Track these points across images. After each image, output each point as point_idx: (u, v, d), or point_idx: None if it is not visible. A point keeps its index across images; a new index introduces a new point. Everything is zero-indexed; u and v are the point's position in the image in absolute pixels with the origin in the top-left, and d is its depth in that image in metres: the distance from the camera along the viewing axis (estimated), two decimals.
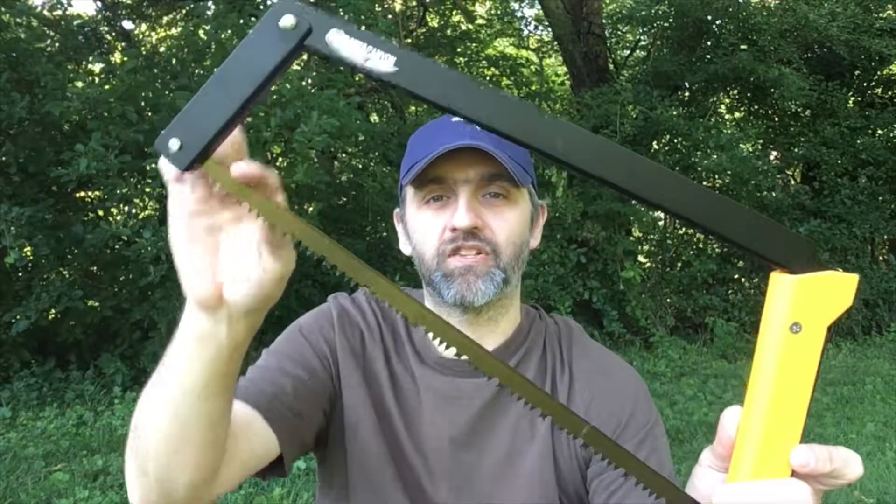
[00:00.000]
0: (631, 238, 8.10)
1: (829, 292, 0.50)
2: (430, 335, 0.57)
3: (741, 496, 0.51)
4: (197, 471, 0.68)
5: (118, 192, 5.20)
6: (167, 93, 5.66)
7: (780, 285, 0.51)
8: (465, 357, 0.56)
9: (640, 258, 8.48)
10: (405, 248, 1.03)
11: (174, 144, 0.53)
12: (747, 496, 0.51)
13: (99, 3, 7.31)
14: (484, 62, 10.02)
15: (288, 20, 0.51)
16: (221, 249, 0.58)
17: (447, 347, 0.57)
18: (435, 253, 0.94)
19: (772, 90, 8.48)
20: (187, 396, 0.63)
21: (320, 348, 0.99)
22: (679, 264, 8.30)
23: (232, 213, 0.58)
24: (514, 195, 0.95)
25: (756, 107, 10.11)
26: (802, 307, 0.50)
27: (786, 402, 0.50)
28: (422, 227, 0.96)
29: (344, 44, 0.50)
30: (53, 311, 5.38)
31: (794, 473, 0.51)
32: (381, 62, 0.50)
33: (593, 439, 0.54)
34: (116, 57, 6.87)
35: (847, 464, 0.52)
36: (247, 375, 0.93)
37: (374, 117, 8.89)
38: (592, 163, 0.50)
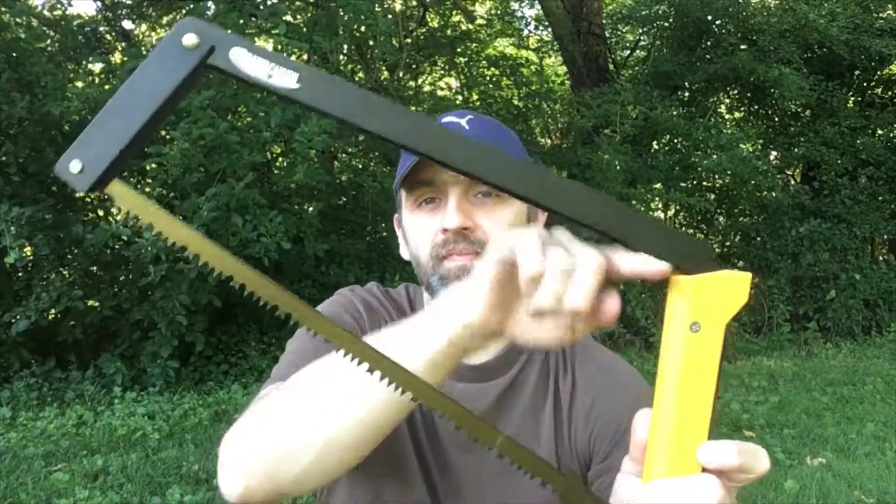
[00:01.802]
0: None
1: (725, 291, 0.52)
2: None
3: (654, 495, 0.51)
4: (344, 466, 0.69)
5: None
6: None
7: (678, 286, 0.52)
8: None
9: None
10: (404, 252, 1.03)
11: (75, 166, 0.53)
12: (660, 494, 0.51)
13: (99, 3, 7.31)
14: (484, 62, 10.00)
15: (190, 39, 0.51)
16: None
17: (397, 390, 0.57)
18: (429, 256, 0.93)
19: (772, 90, 8.48)
20: (401, 400, 0.61)
21: (353, 329, 0.98)
22: None
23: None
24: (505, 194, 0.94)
25: (756, 107, 10.11)
26: (700, 307, 0.51)
27: (691, 400, 0.51)
28: (416, 231, 0.96)
29: (247, 61, 0.51)
30: (53, 311, 5.39)
31: (705, 470, 0.52)
32: (284, 79, 0.51)
33: (507, 449, 0.55)
34: (116, 57, 6.86)
35: (755, 458, 0.52)
36: (288, 360, 0.92)
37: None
38: (498, 173, 0.52)
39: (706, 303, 0.51)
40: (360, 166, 7.64)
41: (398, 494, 0.96)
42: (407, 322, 0.65)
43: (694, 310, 0.51)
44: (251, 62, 0.51)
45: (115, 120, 0.52)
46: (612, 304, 0.55)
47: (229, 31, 0.52)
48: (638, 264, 0.52)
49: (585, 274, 0.52)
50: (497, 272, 0.56)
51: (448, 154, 0.51)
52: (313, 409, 0.68)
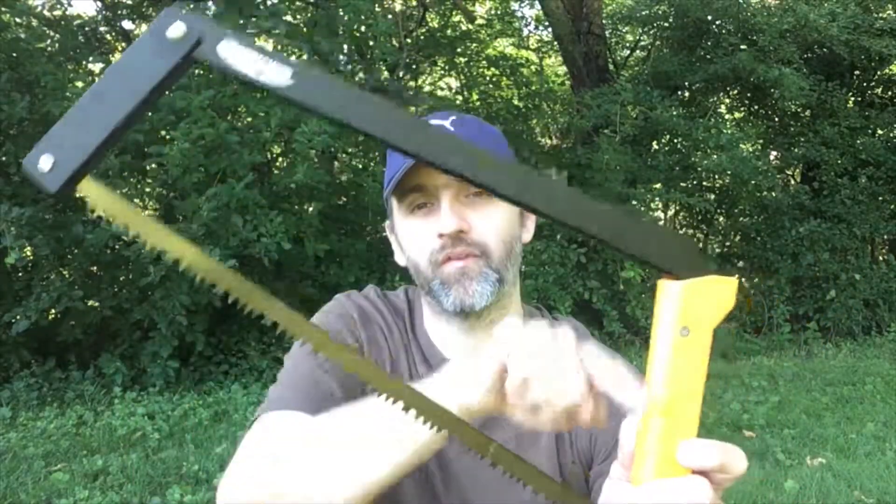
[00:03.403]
0: None
1: (713, 296, 0.52)
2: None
3: (644, 497, 0.52)
4: None
5: (118, 192, 5.20)
6: (167, 93, 5.66)
7: (668, 291, 0.52)
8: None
9: None
10: (400, 259, 1.02)
11: (45, 163, 0.48)
12: (649, 496, 0.51)
13: (99, 3, 7.31)
14: (484, 62, 10.01)
15: (176, 30, 0.47)
16: None
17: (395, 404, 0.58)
18: (428, 262, 0.93)
19: (772, 90, 8.48)
20: (392, 469, 0.67)
21: (345, 338, 0.97)
22: None
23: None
24: None
25: (756, 107, 10.11)
26: (689, 311, 0.52)
27: (679, 404, 0.52)
28: (412, 237, 0.95)
29: (237, 55, 0.48)
30: (53, 311, 5.39)
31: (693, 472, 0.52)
32: (277, 75, 0.48)
33: (499, 457, 0.56)
34: (116, 57, 6.86)
35: (734, 457, 0.53)
36: (287, 374, 0.92)
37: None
38: (484, 175, 0.51)
39: (695, 308, 0.52)
40: (360, 166, 7.64)
41: (396, 494, 0.96)
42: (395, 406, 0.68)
43: (683, 314, 0.52)
44: (241, 56, 0.47)
45: (91, 114, 0.48)
46: (601, 412, 0.60)
47: (217, 24, 0.48)
48: (614, 392, 0.57)
49: (573, 378, 0.58)
50: (495, 374, 0.61)
51: (443, 157, 0.50)
52: (312, 470, 0.69)
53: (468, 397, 0.62)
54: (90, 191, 0.50)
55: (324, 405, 0.84)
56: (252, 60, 0.48)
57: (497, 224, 0.94)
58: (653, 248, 0.52)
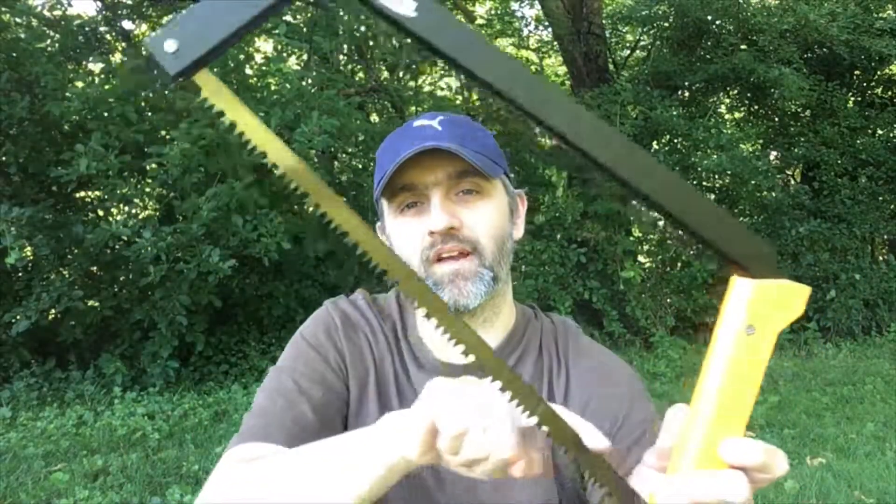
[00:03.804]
0: (631, 238, 8.10)
1: (784, 300, 0.52)
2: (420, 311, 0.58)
3: (682, 486, 0.52)
4: None
5: (118, 192, 5.21)
6: (167, 93, 5.66)
7: (741, 288, 0.52)
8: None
9: (640, 258, 8.47)
10: None
11: (170, 46, 0.49)
12: (688, 485, 0.51)
13: (99, 3, 7.31)
14: None
15: None
16: None
17: (451, 341, 0.57)
18: (419, 261, 0.93)
19: (772, 90, 8.48)
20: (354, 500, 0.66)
21: (332, 358, 0.98)
22: (679, 264, 8.30)
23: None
24: (486, 189, 0.94)
25: (756, 107, 10.11)
26: (759, 311, 0.52)
27: (733, 400, 0.52)
28: (402, 237, 0.95)
29: None
30: (53, 311, 5.39)
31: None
32: (403, 5, 0.49)
33: (545, 418, 0.57)
34: (116, 57, 6.86)
35: (777, 458, 0.53)
36: (261, 403, 0.93)
37: (374, 117, 8.89)
38: (589, 142, 0.51)
39: (765, 309, 0.52)
40: (360, 166, 7.63)
41: (389, 495, 0.96)
42: (351, 438, 0.69)
43: (752, 313, 0.52)
44: None
45: (220, 8, 0.49)
46: (535, 465, 0.61)
47: None
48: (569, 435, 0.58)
49: (504, 433, 0.59)
50: (425, 431, 0.62)
51: (546, 113, 0.50)
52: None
53: (407, 450, 0.63)
54: (206, 82, 0.51)
55: (295, 430, 0.87)
56: None
57: (488, 221, 0.93)
58: (735, 243, 0.52)
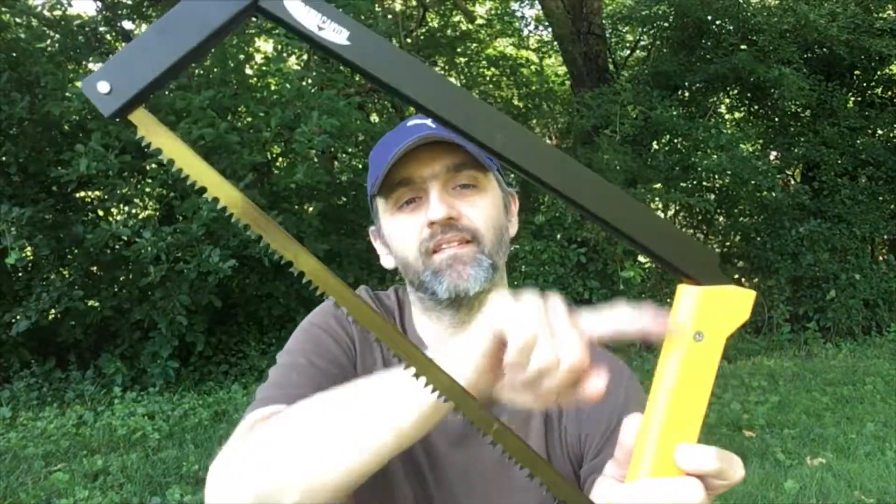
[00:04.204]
0: None
1: (730, 305, 0.53)
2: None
3: (637, 493, 0.52)
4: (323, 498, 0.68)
5: (118, 192, 5.21)
6: (167, 92, 5.66)
7: (686, 295, 0.53)
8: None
9: (640, 258, 8.47)
10: (387, 262, 1.02)
11: (103, 87, 0.50)
12: (643, 493, 0.51)
13: (99, 3, 7.31)
14: (484, 62, 10.01)
15: None
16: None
17: (394, 356, 0.57)
18: (417, 254, 0.93)
19: (772, 90, 8.49)
20: (374, 457, 0.64)
21: (342, 339, 0.98)
22: None
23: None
24: (482, 182, 0.95)
25: (756, 107, 10.11)
26: (706, 317, 0.52)
27: (685, 406, 0.52)
28: (399, 232, 0.95)
29: (299, 10, 0.49)
30: (53, 311, 5.39)
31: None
32: (335, 35, 0.49)
33: (501, 437, 0.55)
34: None
35: (732, 464, 0.53)
36: (275, 378, 0.91)
37: (375, 117, 8.90)
38: (528, 160, 0.51)
39: (712, 314, 0.52)
40: (360, 166, 7.64)
41: (387, 493, 0.96)
42: (398, 374, 0.64)
43: (699, 319, 0.52)
44: (303, 12, 0.49)
45: (153, 47, 0.50)
46: (598, 382, 0.56)
47: None
48: (616, 323, 0.54)
49: (573, 336, 0.55)
50: (490, 344, 0.57)
51: (486, 133, 0.51)
52: (302, 450, 0.68)
53: (464, 371, 0.58)
54: (142, 121, 0.52)
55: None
56: (313, 18, 0.49)
57: (486, 212, 0.94)
58: (677, 252, 0.53)
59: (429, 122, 0.94)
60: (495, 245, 0.94)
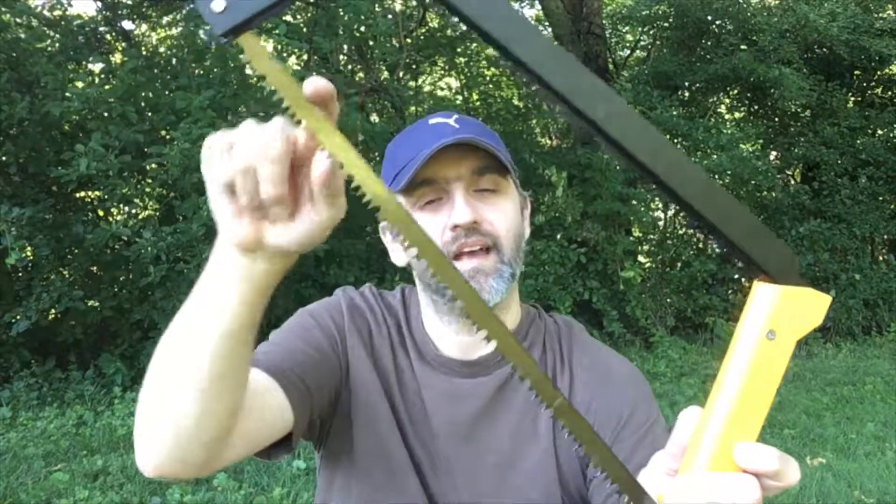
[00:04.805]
0: (631, 238, 8.10)
1: (806, 308, 0.52)
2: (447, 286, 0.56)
3: (694, 486, 0.51)
4: (219, 424, 0.68)
5: (118, 192, 5.21)
6: (167, 93, 5.66)
7: (764, 293, 0.53)
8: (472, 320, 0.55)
9: (640, 258, 8.48)
10: (399, 258, 1.02)
11: (217, 5, 0.49)
12: (700, 486, 0.51)
13: (99, 3, 7.30)
14: (484, 62, 10.00)
15: None
16: None
17: (479, 333, 0.55)
18: None
19: (772, 90, 8.49)
20: (224, 339, 0.63)
21: (329, 331, 0.98)
22: (679, 264, 8.31)
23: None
24: (503, 186, 0.95)
25: (756, 107, 10.11)
26: (780, 317, 0.52)
27: (749, 404, 0.52)
28: None
29: None
30: (53, 311, 5.39)
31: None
32: None
33: (562, 412, 0.55)
34: (116, 57, 6.87)
35: (790, 467, 0.53)
36: (260, 349, 0.92)
37: (374, 117, 8.89)
38: (626, 137, 0.50)
39: (786, 314, 0.52)
40: None
41: (393, 493, 0.96)
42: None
43: (774, 318, 0.52)
44: None
45: None
46: (321, 165, 0.55)
47: None
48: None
49: (268, 129, 0.54)
50: (216, 189, 0.57)
51: (586, 102, 0.49)
52: (169, 362, 0.70)
53: (227, 235, 0.59)
54: (250, 44, 0.51)
55: (276, 360, 0.87)
56: None
57: (508, 217, 0.94)
58: (759, 248, 0.52)
59: (451, 121, 0.95)
60: (514, 252, 0.95)
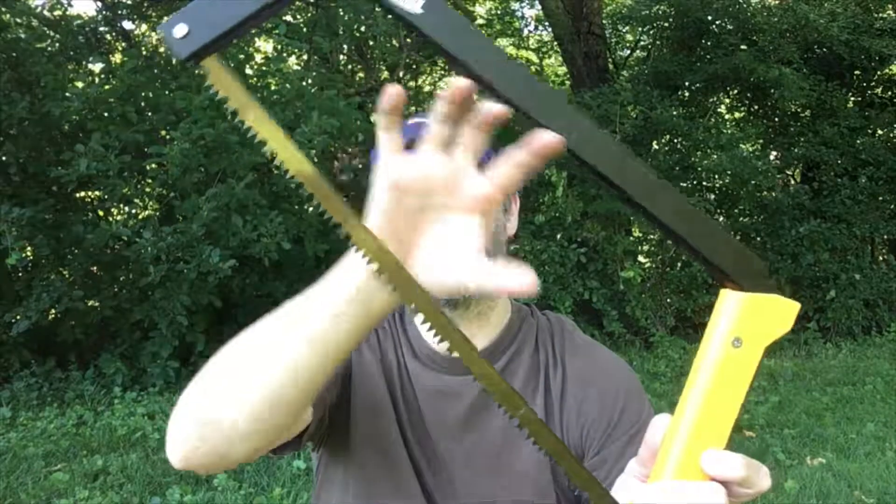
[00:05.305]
0: (631, 238, 8.10)
1: (773, 315, 0.52)
2: (419, 320, 0.56)
3: (660, 494, 0.51)
4: (275, 428, 0.66)
5: (118, 192, 5.21)
6: (167, 93, 5.67)
7: (729, 300, 0.52)
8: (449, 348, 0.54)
9: (640, 258, 8.47)
10: None
11: (179, 30, 0.50)
12: (665, 494, 0.51)
13: (99, 3, 7.30)
14: None
15: None
16: (427, 231, 0.56)
17: (436, 337, 0.55)
18: None
19: (772, 90, 8.48)
20: (319, 351, 0.61)
21: None
22: (679, 264, 8.30)
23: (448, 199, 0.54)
24: None
25: (756, 107, 10.11)
26: (746, 324, 0.52)
27: (716, 412, 0.52)
28: None
29: None
30: (54, 311, 5.39)
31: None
32: (409, 2, 0.49)
33: (528, 422, 0.54)
34: (116, 57, 6.87)
35: (759, 474, 0.52)
36: None
37: (374, 117, 8.91)
38: (590, 153, 0.50)
39: (753, 322, 0.52)
40: (360, 166, 7.63)
41: (392, 491, 0.96)
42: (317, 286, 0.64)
43: (740, 325, 0.52)
44: None
45: None
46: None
47: None
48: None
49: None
50: (387, 199, 0.57)
51: (548, 115, 0.49)
52: (236, 366, 0.66)
53: (373, 218, 0.58)
54: (213, 68, 0.52)
55: None
56: None
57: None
58: (726, 256, 0.52)
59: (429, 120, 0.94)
60: (491, 245, 0.94)
